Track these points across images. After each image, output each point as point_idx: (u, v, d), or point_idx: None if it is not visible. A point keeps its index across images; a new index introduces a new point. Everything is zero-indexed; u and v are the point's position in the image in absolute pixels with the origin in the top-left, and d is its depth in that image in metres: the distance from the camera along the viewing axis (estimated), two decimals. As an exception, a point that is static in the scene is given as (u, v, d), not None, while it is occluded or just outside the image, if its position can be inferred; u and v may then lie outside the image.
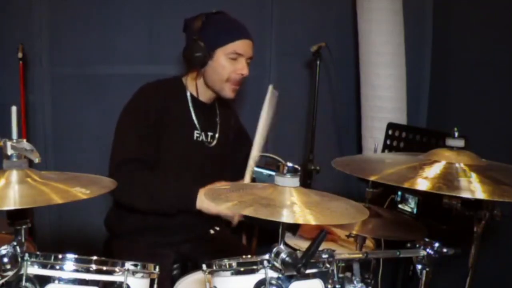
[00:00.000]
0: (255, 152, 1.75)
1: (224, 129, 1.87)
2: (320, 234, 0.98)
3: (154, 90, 1.74)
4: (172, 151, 1.72)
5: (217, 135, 1.84)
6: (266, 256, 1.01)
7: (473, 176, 1.09)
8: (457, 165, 1.15)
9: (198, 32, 1.69)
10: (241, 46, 1.71)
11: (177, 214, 1.67)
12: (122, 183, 1.54)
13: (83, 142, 2.34)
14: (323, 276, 1.05)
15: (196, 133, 1.78)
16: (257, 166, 2.02)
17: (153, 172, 1.69)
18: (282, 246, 1.00)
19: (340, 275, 1.06)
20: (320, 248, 1.00)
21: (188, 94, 1.79)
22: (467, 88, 2.34)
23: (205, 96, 1.80)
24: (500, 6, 2.13)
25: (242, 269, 1.04)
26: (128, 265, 1.03)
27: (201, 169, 1.78)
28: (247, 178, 1.76)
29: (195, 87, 1.79)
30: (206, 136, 1.81)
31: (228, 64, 1.71)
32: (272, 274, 1.01)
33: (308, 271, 1.00)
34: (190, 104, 1.78)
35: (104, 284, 1.00)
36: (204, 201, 1.61)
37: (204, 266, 1.09)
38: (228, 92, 1.75)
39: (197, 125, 1.78)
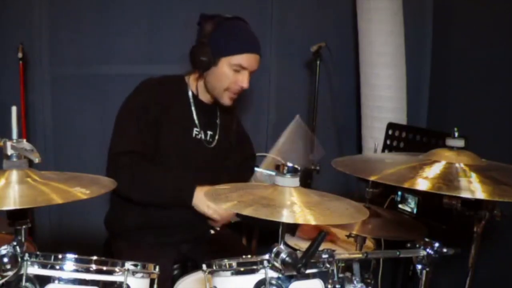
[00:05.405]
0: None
1: (225, 131, 1.86)
2: (320, 234, 0.98)
3: (155, 85, 1.75)
4: (170, 146, 1.72)
5: (217, 136, 1.84)
6: (266, 256, 1.01)
7: (473, 176, 1.09)
8: (457, 165, 1.15)
9: (209, 35, 1.67)
10: (247, 60, 1.68)
11: (172, 207, 1.67)
12: (119, 174, 1.55)
13: (83, 142, 2.34)
14: (323, 276, 1.05)
15: (195, 131, 1.78)
16: (257, 166, 2.02)
17: (151, 164, 1.69)
18: (282, 246, 1.00)
19: (340, 275, 1.06)
20: (320, 248, 1.00)
21: (190, 92, 1.79)
22: (467, 88, 2.33)
23: (204, 97, 1.80)
24: (500, 6, 2.13)
25: (242, 269, 1.04)
26: (128, 265, 1.02)
27: (199, 167, 1.78)
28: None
29: (196, 87, 1.79)
30: (206, 135, 1.81)
31: (231, 75, 1.69)
32: (272, 274, 1.01)
33: (308, 271, 1.00)
34: (192, 102, 1.78)
35: (104, 284, 1.00)
36: (200, 200, 1.61)
37: (204, 266, 1.09)
38: (225, 100, 1.75)
39: (197, 123, 1.78)
